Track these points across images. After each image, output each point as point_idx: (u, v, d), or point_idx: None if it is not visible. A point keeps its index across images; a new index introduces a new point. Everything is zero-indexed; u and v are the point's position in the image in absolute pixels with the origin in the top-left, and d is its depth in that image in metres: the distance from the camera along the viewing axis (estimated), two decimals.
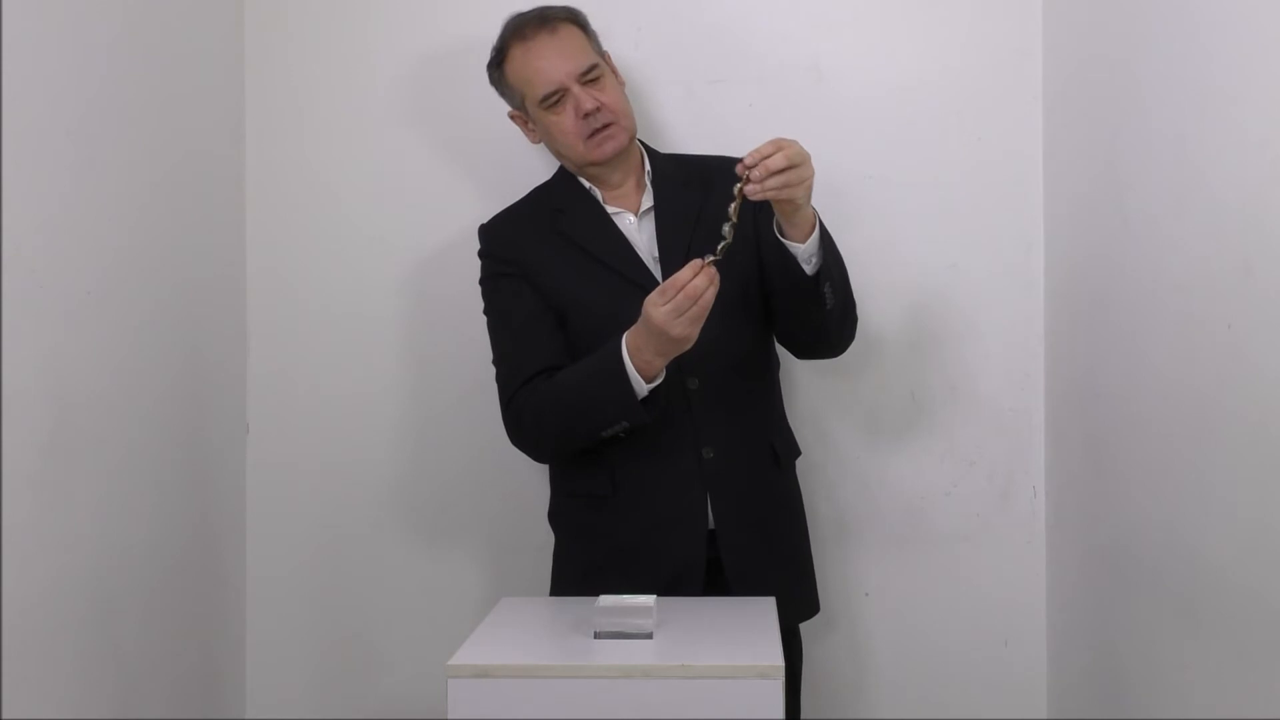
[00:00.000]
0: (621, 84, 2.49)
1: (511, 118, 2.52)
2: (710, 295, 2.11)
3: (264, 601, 2.88)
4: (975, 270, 2.82)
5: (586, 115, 2.37)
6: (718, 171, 2.46)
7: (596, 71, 2.40)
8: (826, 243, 2.26)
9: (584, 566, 2.44)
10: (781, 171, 2.09)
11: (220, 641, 2.77)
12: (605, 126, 2.39)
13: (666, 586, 2.21)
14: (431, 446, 2.87)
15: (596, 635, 1.97)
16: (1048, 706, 2.82)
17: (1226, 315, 1.98)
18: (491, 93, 2.74)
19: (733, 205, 2.12)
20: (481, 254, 2.49)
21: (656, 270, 2.39)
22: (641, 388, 2.20)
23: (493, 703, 1.84)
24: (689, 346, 2.16)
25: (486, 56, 2.69)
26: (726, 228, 2.12)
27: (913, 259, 2.82)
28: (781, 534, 2.46)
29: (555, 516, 2.53)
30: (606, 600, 1.98)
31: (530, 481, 2.75)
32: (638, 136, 2.52)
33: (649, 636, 1.96)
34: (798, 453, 2.58)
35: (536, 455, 2.45)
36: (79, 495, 2.18)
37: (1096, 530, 2.55)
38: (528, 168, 2.65)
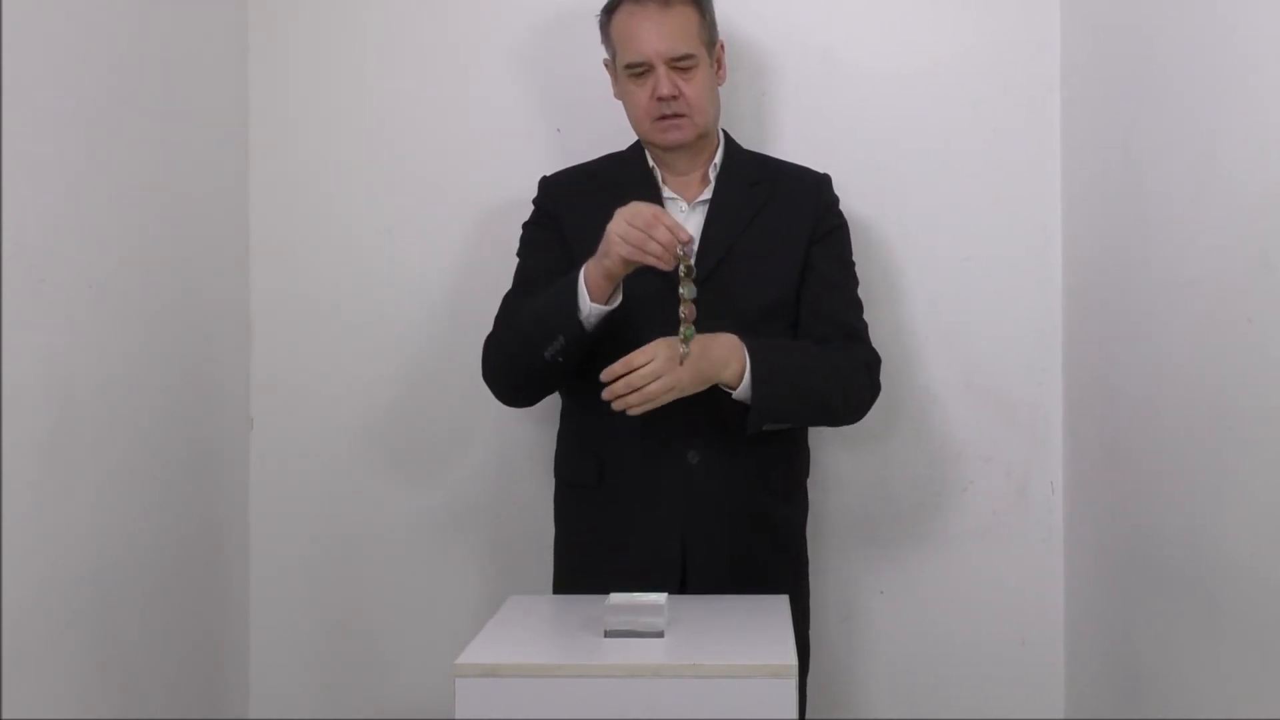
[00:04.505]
0: (720, 80, 2.49)
1: (605, 64, 2.51)
2: (663, 236, 2.14)
3: (267, 599, 2.86)
4: (991, 263, 2.79)
5: (661, 99, 2.38)
6: (786, 179, 2.51)
7: (689, 61, 2.38)
8: (772, 395, 2.25)
9: (576, 556, 2.48)
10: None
11: (223, 640, 2.75)
12: (676, 116, 2.39)
13: (641, 583, 2.17)
14: (436, 442, 2.85)
15: (606, 634, 1.95)
16: (1065, 706, 2.80)
17: (1246, 309, 1.97)
18: (495, 90, 2.79)
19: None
20: (534, 201, 2.53)
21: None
22: (587, 305, 2.22)
23: (501, 702, 1.82)
24: (611, 257, 2.18)
25: (486, 55, 2.75)
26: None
27: (928, 252, 2.80)
28: (752, 554, 2.41)
29: (555, 505, 2.55)
30: (616, 598, 1.97)
31: (536, 479, 2.74)
32: (723, 128, 2.53)
33: (660, 635, 1.94)
34: (805, 474, 2.55)
35: (495, 385, 2.43)
36: (80, 491, 2.16)
37: (1115, 527, 2.53)
38: (532, 165, 2.63)
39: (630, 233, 2.16)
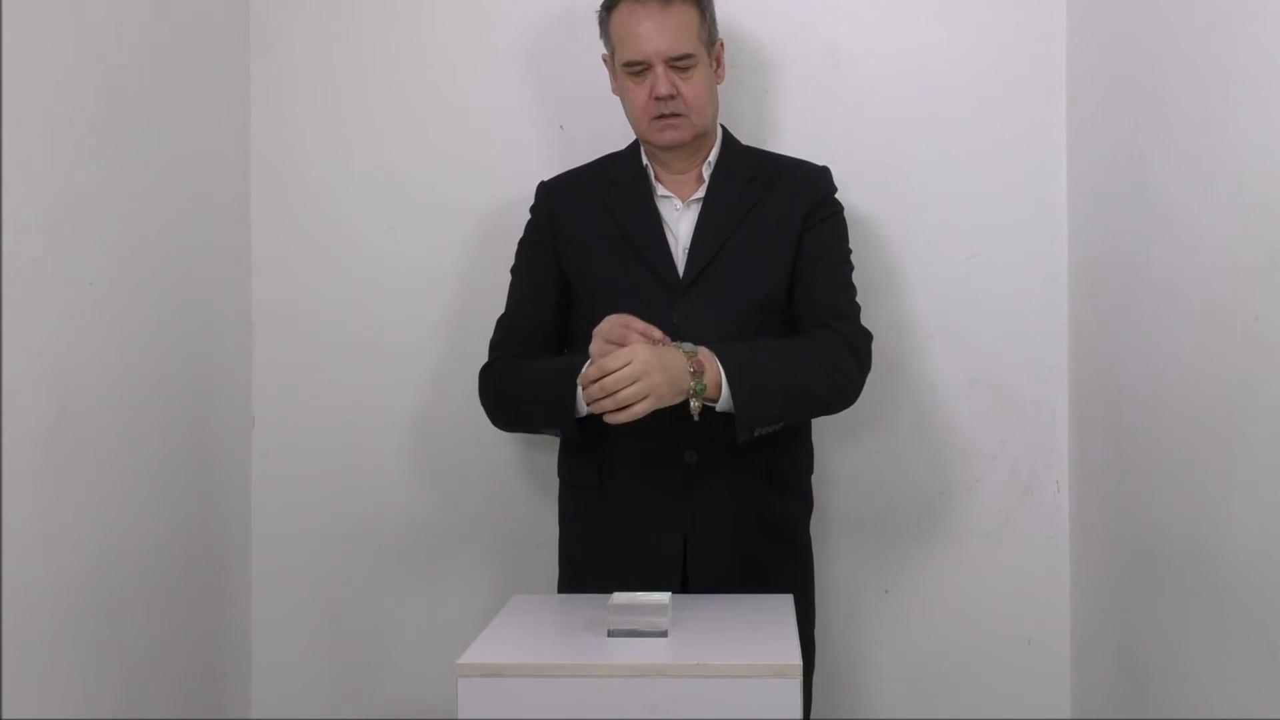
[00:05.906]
0: (719, 79, 2.48)
1: (603, 60, 2.51)
2: (637, 362, 2.12)
3: (269, 598, 2.85)
4: (997, 260, 2.78)
5: (659, 98, 2.37)
6: (783, 173, 2.50)
7: (689, 61, 2.37)
8: (754, 400, 2.23)
9: (579, 556, 2.49)
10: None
11: (225, 640, 2.75)
12: (674, 115, 2.38)
13: (644, 583, 2.18)
14: (438, 441, 2.84)
15: (610, 633, 1.94)
16: (1071, 706, 2.79)
17: (1253, 306, 1.96)
18: (495, 92, 2.80)
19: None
20: (531, 209, 2.53)
21: (683, 261, 2.39)
22: (584, 409, 2.23)
23: (503, 703, 1.82)
24: (589, 361, 2.20)
25: (488, 55, 2.77)
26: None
27: (933, 249, 2.79)
28: (755, 553, 2.40)
29: (559, 505, 2.56)
30: (620, 598, 1.96)
31: (538, 478, 2.74)
32: (722, 124, 2.52)
33: (664, 635, 1.94)
34: (809, 472, 2.55)
35: (491, 417, 2.48)
36: (81, 490, 2.15)
37: (1121, 526, 2.52)
38: (535, 164, 2.64)
39: (605, 348, 2.18)
